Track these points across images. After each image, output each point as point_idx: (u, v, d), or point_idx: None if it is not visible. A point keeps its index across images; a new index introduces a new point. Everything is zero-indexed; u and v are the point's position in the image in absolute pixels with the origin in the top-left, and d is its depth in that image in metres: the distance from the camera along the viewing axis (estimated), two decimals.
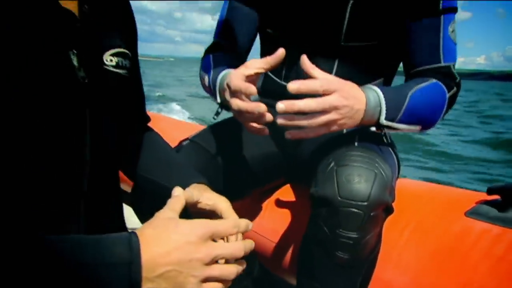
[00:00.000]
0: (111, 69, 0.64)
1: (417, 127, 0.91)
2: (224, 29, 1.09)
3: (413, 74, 0.97)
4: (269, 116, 0.76)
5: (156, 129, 0.85)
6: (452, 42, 0.95)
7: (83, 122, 0.57)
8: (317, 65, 0.78)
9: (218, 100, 0.91)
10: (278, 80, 1.05)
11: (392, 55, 1.01)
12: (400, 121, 0.85)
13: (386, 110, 0.81)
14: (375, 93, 0.81)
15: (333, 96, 0.74)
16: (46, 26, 0.53)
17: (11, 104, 0.48)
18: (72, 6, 0.58)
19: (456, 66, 0.98)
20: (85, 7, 0.59)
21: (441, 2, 0.92)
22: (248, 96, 0.77)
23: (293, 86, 0.73)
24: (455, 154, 7.77)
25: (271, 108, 0.76)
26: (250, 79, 0.77)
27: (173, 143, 0.95)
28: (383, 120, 0.82)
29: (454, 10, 0.94)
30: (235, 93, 0.78)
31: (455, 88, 0.94)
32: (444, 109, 0.93)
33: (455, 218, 0.91)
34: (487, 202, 0.91)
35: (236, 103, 0.78)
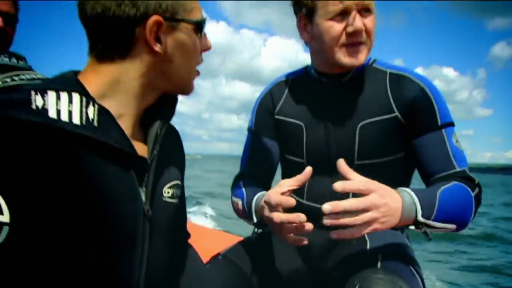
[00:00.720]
0: (168, 200, 0.75)
1: (453, 226, 0.94)
2: (249, 160, 1.24)
3: (433, 182, 1.03)
4: (309, 225, 0.86)
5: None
6: (459, 150, 1.04)
7: (142, 251, 0.67)
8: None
9: (255, 219, 1.02)
10: (301, 200, 1.14)
11: (403, 171, 1.10)
12: (436, 219, 0.90)
13: (421, 207, 0.88)
14: (407, 194, 0.89)
15: (372, 195, 0.83)
16: (126, 170, 0.66)
17: (87, 230, 0.59)
18: (143, 151, 0.72)
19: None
20: (154, 152, 0.72)
21: (439, 119, 1.04)
22: (285, 209, 0.88)
23: (338, 185, 0.83)
24: None
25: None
26: (284, 196, 0.90)
27: (204, 254, 1.03)
28: (420, 218, 0.88)
29: (451, 124, 1.05)
30: (275, 208, 0.90)
31: (477, 189, 1.00)
32: (473, 208, 0.97)
33: None
34: None
35: (278, 215, 0.89)
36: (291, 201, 0.87)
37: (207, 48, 0.77)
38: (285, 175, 1.21)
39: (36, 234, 0.56)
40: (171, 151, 0.79)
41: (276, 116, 1.20)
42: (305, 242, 0.90)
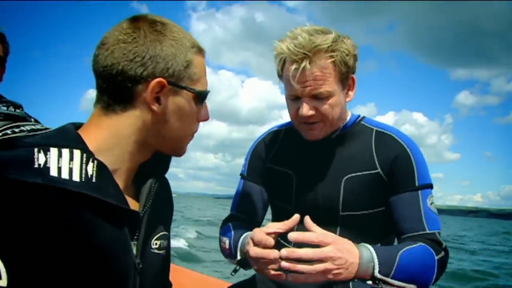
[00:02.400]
0: (156, 251, 0.77)
1: (412, 286, 0.97)
2: (239, 204, 1.29)
3: (403, 240, 1.08)
4: (283, 263, 0.90)
5: (174, 284, 0.94)
6: (433, 213, 1.09)
7: None
8: None
9: (238, 257, 1.07)
10: (287, 245, 1.17)
11: (387, 224, 1.14)
12: (394, 277, 0.94)
13: (379, 265, 0.92)
14: (367, 250, 0.94)
15: (328, 248, 0.89)
16: (120, 225, 0.68)
17: (82, 277, 0.61)
18: (135, 204, 0.75)
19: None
20: (146, 207, 0.75)
21: (416, 180, 1.09)
22: (265, 247, 0.94)
23: (293, 235, 0.90)
24: None
25: (285, 271, 0.90)
26: (268, 236, 0.95)
27: None
28: (377, 274, 0.92)
29: (429, 186, 1.11)
30: (256, 244, 0.95)
31: (443, 253, 1.04)
32: (435, 270, 1.01)
33: None
34: None
35: (253, 250, 0.95)
36: (270, 241, 0.94)
37: (205, 118, 0.80)
38: (275, 220, 1.24)
39: None
40: (161, 203, 0.81)
41: (268, 164, 1.25)
42: (284, 277, 0.94)
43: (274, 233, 0.96)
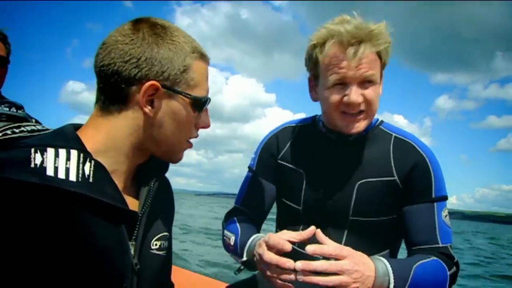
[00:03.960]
0: (155, 252, 0.77)
1: None
2: (244, 197, 1.26)
3: (414, 251, 1.06)
4: (293, 276, 0.89)
5: (175, 283, 0.94)
6: (446, 225, 1.07)
7: None
8: (328, 235, 0.93)
9: (245, 258, 1.04)
10: (296, 248, 1.14)
11: (395, 231, 1.12)
12: None
13: (394, 279, 0.91)
14: (383, 264, 0.92)
15: (345, 261, 0.87)
16: (117, 225, 0.68)
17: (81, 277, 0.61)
18: (134, 205, 0.75)
19: None
20: (145, 207, 0.75)
21: (434, 191, 1.07)
22: (279, 252, 0.92)
23: (311, 248, 0.88)
24: None
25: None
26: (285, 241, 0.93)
27: None
28: None
29: (445, 198, 1.09)
30: (271, 247, 0.93)
31: (454, 268, 1.02)
32: (447, 286, 1.00)
33: None
34: None
35: (269, 255, 0.92)
36: (287, 246, 0.91)
37: (205, 125, 0.79)
38: (280, 218, 1.25)
39: None
40: (161, 203, 0.81)
41: (279, 161, 1.22)
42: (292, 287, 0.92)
43: (288, 241, 0.94)
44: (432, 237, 1.05)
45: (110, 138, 0.71)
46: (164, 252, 0.80)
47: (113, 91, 0.70)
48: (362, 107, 1.05)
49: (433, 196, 1.07)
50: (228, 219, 1.23)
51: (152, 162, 0.79)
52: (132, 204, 0.74)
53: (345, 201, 1.10)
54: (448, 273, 1.00)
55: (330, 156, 1.15)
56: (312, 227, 0.94)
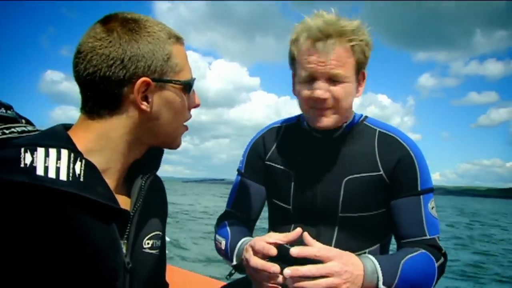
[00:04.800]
0: (148, 251, 0.77)
1: None
2: (236, 201, 1.27)
3: (403, 244, 1.08)
4: (280, 279, 0.88)
5: (170, 282, 0.93)
6: (433, 217, 1.08)
7: None
8: (319, 232, 0.92)
9: (234, 262, 1.05)
10: (286, 245, 1.17)
11: (385, 225, 1.14)
12: (397, 287, 0.94)
13: (383, 276, 0.92)
14: (371, 261, 0.93)
15: (333, 262, 0.87)
16: (108, 223, 0.68)
17: (73, 275, 0.61)
18: (126, 203, 0.74)
19: None
20: (137, 206, 0.74)
21: (419, 184, 1.09)
22: (265, 258, 0.92)
23: (295, 251, 0.88)
24: None
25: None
26: (271, 246, 0.93)
27: None
28: (381, 285, 0.92)
29: (430, 190, 1.10)
30: (257, 253, 0.93)
31: (442, 259, 1.04)
32: (435, 278, 1.01)
33: None
34: None
35: (255, 261, 0.92)
36: (273, 251, 0.91)
37: (195, 105, 0.81)
38: (272, 218, 1.25)
39: None
40: (154, 201, 0.81)
41: (267, 162, 1.23)
42: None
43: (275, 243, 0.94)
44: (420, 230, 1.06)
45: (102, 138, 0.71)
46: (157, 251, 0.79)
47: (104, 96, 0.69)
48: (330, 103, 1.06)
49: (419, 189, 1.09)
50: (220, 223, 1.24)
51: (143, 161, 0.78)
52: (124, 203, 0.73)
53: (333, 198, 1.12)
54: (436, 264, 1.01)
55: (316, 154, 1.16)
56: (299, 229, 0.95)
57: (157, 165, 0.81)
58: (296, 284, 0.87)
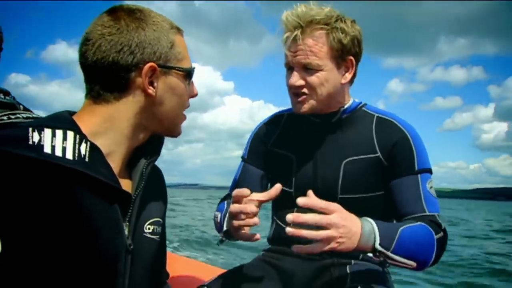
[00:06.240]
0: (148, 235, 0.78)
1: (412, 263, 0.99)
2: (237, 185, 1.29)
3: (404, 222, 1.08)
4: (288, 229, 0.90)
5: (169, 270, 0.96)
6: (432, 196, 1.10)
7: (122, 282, 0.70)
8: (320, 214, 0.93)
9: (225, 228, 1.08)
10: (285, 226, 1.20)
11: (385, 206, 1.15)
12: (395, 252, 0.95)
13: (380, 237, 0.93)
14: (369, 223, 0.95)
15: (333, 215, 0.89)
16: (111, 204, 0.69)
17: (74, 256, 0.63)
18: (128, 187, 0.76)
19: None
20: (139, 189, 0.76)
21: (416, 164, 1.11)
22: (242, 199, 0.97)
23: (302, 200, 0.90)
24: None
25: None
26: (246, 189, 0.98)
27: (187, 285, 1.04)
28: (378, 246, 0.93)
29: (428, 170, 1.12)
30: (236, 202, 0.99)
31: (442, 233, 1.05)
32: (434, 249, 1.02)
33: None
34: None
35: (234, 206, 0.98)
36: (246, 191, 0.96)
37: (194, 94, 0.84)
38: (275, 203, 1.28)
39: (24, 263, 0.59)
40: (154, 189, 0.83)
41: (269, 147, 1.27)
42: (257, 236, 0.98)
43: (257, 200, 0.98)
44: (419, 207, 1.08)
45: (108, 121, 0.73)
46: (158, 237, 0.81)
47: (112, 80, 0.72)
48: (306, 90, 1.12)
49: (416, 168, 1.11)
50: (220, 203, 1.27)
51: (144, 148, 0.80)
52: (126, 186, 0.75)
53: (333, 180, 1.15)
54: (435, 236, 1.02)
55: (316, 139, 1.20)
56: (278, 185, 1.00)
57: (157, 153, 0.83)
58: (295, 232, 0.88)
